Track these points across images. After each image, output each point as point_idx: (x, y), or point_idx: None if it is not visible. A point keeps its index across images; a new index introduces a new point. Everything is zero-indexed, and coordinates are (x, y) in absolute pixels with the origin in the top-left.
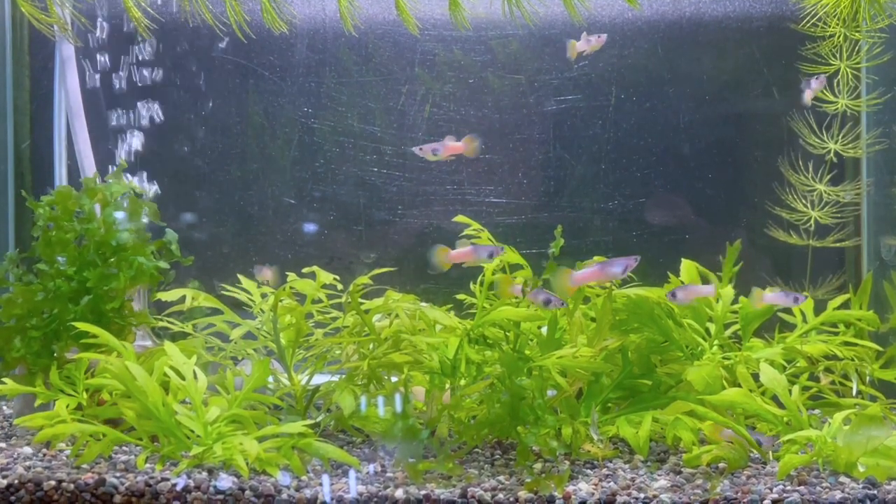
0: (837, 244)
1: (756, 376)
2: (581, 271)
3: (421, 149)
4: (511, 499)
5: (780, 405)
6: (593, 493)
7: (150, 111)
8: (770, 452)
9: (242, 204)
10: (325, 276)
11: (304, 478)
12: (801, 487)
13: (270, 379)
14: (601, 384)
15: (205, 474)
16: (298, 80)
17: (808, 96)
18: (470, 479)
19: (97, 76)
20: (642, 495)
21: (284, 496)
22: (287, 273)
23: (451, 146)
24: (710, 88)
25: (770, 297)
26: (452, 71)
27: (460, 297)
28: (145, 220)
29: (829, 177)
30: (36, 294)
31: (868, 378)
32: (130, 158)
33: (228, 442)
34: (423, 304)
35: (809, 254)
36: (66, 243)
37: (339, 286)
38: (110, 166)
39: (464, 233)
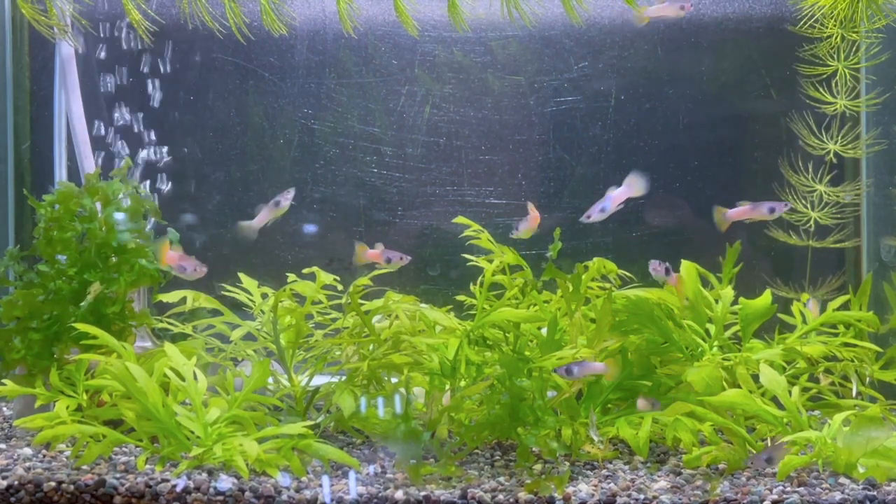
0: (837, 245)
1: (756, 377)
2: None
3: (588, 216)
4: (511, 500)
5: (780, 406)
6: (593, 494)
7: (149, 112)
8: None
9: (243, 205)
10: (325, 277)
11: (304, 479)
12: (801, 488)
13: (270, 380)
14: (601, 385)
15: (205, 475)
16: (298, 81)
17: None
18: (470, 480)
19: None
20: (642, 496)
21: (284, 497)
22: (287, 274)
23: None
24: (710, 89)
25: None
26: (452, 72)
27: (460, 298)
28: (148, 219)
29: (828, 177)
30: (37, 295)
31: (868, 379)
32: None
33: (228, 443)
34: (423, 305)
35: (809, 254)
36: (67, 242)
37: (339, 287)
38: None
39: (464, 233)
